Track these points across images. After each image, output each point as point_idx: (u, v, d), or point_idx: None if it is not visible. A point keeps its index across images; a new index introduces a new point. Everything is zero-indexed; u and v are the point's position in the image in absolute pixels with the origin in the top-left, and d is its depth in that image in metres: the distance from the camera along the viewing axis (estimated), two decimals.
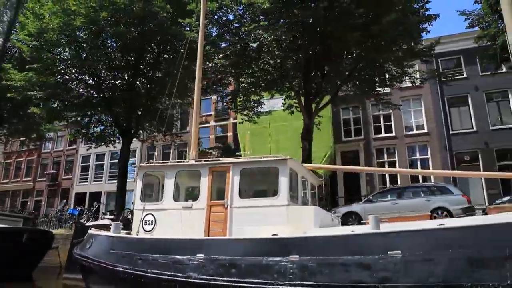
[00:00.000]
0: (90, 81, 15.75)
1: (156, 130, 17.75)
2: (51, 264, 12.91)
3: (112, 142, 17.08)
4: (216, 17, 12.46)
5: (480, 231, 5.07)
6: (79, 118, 16.26)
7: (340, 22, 10.43)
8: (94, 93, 15.67)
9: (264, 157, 7.72)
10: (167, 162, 9.26)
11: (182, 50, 11.91)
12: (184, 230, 7.87)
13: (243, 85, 14.24)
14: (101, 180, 26.68)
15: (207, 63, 13.06)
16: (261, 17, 11.39)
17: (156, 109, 16.42)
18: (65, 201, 24.36)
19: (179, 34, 13.18)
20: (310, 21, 10.73)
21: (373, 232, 5.64)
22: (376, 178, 20.49)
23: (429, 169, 20.12)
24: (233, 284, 6.23)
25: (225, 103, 17.60)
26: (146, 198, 8.94)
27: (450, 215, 10.38)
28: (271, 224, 6.97)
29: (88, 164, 27.45)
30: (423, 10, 11.84)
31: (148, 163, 9.55)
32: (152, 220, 8.51)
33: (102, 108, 15.78)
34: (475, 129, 19.94)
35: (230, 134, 24.19)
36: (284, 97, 15.52)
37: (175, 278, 6.83)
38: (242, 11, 12.15)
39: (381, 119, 21.59)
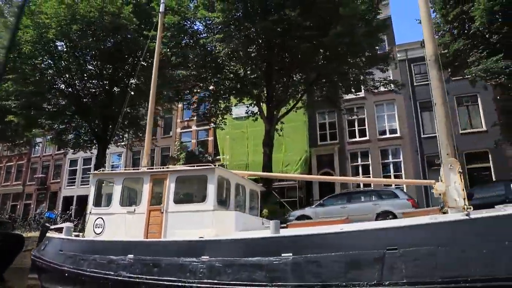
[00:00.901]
0: (68, 90, 16.43)
1: (132, 136, 18.39)
2: (23, 266, 13.58)
3: (89, 148, 17.77)
4: (176, 28, 13.06)
5: (357, 235, 5.66)
6: (55, 126, 16.92)
7: (290, 34, 11.00)
8: (71, 101, 16.35)
9: (196, 166, 8.31)
10: (116, 170, 9.93)
11: (145, 60, 12.55)
12: (128, 233, 8.49)
13: (207, 93, 14.83)
14: (88, 184, 27.40)
15: (172, 72, 13.70)
16: (217, 30, 12.01)
17: (134, 117, 17.14)
18: (43, 205, 25.10)
19: (147, 46, 13.84)
20: (261, 34, 11.32)
21: (270, 236, 6.23)
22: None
23: (401, 172, 20.64)
24: (154, 282, 6.89)
25: (191, 111, 18.22)
26: (98, 203, 9.60)
27: (395, 218, 10.86)
28: (199, 227, 7.56)
29: (76, 168, 28.22)
30: (374, 21, 12.38)
31: (100, 171, 10.20)
32: (101, 224, 9.14)
33: (78, 115, 16.45)
34: None
35: (211, 138, 24.82)
36: (248, 104, 16.12)
37: (109, 276, 7.51)
38: (200, 25, 12.80)
39: (356, 123, 22.09)
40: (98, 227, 9.11)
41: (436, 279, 4.82)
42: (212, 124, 17.02)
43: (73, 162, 28.25)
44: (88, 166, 27.75)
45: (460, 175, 6.19)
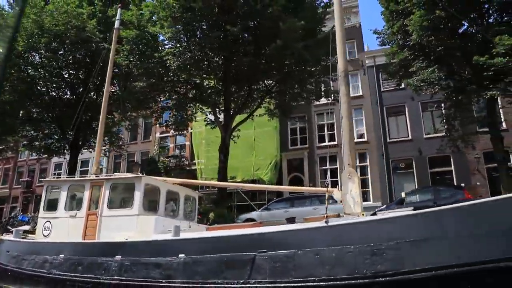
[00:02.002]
0: (40, 98, 17.25)
1: (106, 142, 19.18)
2: None
3: (62, 154, 18.56)
4: (134, 42, 13.83)
5: (235, 239, 6.39)
6: (27, 133, 17.71)
7: (234, 48, 11.68)
8: (43, 109, 17.16)
9: (127, 175, 9.06)
10: (63, 177, 10.72)
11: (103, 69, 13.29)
12: (69, 235, 9.28)
13: (169, 102, 15.58)
14: None
15: (135, 84, 14.47)
16: (169, 44, 12.77)
17: (106, 125, 17.91)
18: (18, 208, 25.99)
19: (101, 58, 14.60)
20: (209, 48, 12.05)
21: (169, 239, 6.98)
22: (318, 184, 21.60)
23: (368, 176, 21.28)
24: (77, 279, 7.69)
25: (152, 119, 18.97)
26: (47, 208, 10.39)
27: None
28: (126, 230, 8.32)
29: (61, 171, 29.06)
30: (320, 34, 13.04)
31: (51, 178, 11.01)
32: (49, 227, 9.94)
33: (51, 123, 17.23)
34: (410, 137, 20.99)
35: (188, 143, 25.56)
36: (208, 112, 16.82)
37: (42, 274, 8.33)
38: (152, 39, 13.52)
39: (325, 128, 22.74)
40: (46, 230, 9.89)
41: (291, 278, 5.51)
42: (173, 131, 17.67)
43: (58, 166, 29.09)
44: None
45: (358, 184, 6.86)
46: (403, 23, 12.93)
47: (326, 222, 5.76)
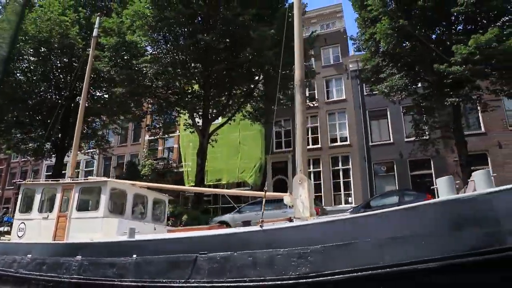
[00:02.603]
0: (28, 101, 17.70)
1: (93, 144, 19.67)
2: None
3: (49, 156, 19.02)
4: (114, 49, 14.25)
5: (179, 241, 6.81)
6: (14, 136, 18.16)
7: (208, 56, 12.08)
8: (30, 113, 17.59)
9: (96, 179, 9.49)
10: (39, 181, 11.17)
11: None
12: (41, 236, 9.73)
13: (151, 107, 16.04)
14: None
15: (115, 90, 14.91)
16: (148, 51, 13.22)
17: (92, 128, 18.45)
18: (4, 209, 26.45)
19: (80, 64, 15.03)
20: (185, 56, 12.49)
21: (123, 240, 7.40)
22: None
23: (350, 178, 21.61)
24: (40, 277, 8.13)
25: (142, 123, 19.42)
26: (22, 210, 10.83)
27: None
28: (92, 231, 8.77)
29: (64, 172, 29.50)
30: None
31: (28, 181, 11.43)
32: (23, 228, 10.38)
33: (38, 126, 17.68)
34: (392, 141, 21.33)
35: (176, 145, 25.98)
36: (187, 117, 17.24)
37: (10, 273, 8.78)
38: (131, 46, 13.94)
39: (309, 131, 23.07)
40: (20, 231, 10.33)
41: (226, 278, 5.91)
42: (155, 135, 18.12)
43: (50, 168, 29.55)
44: (63, 172, 29.04)
45: (308, 189, 7.23)
46: (374, 31, 13.29)
47: (260, 226, 6.15)
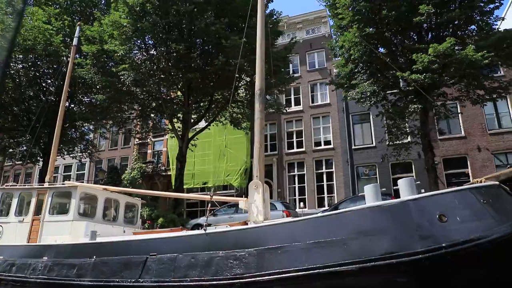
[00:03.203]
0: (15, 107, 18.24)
1: (81, 148, 20.16)
2: None
3: (37, 161, 19.52)
4: (95, 57, 14.74)
5: (133, 243, 7.23)
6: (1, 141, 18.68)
7: (182, 64, 12.54)
8: (18, 118, 18.10)
9: (68, 183, 9.95)
10: (16, 185, 11.65)
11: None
12: (17, 239, 10.20)
13: (132, 112, 16.53)
14: None
15: (96, 96, 15.39)
16: (126, 59, 13.66)
17: (80, 132, 18.99)
18: None
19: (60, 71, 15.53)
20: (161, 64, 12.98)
21: (84, 242, 7.86)
22: (286, 190, 22.40)
23: (333, 181, 21.97)
24: (10, 278, 8.60)
25: (116, 129, 19.92)
26: (1, 213, 11.30)
27: None
28: (62, 234, 9.24)
29: (56, 175, 30.13)
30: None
31: (6, 185, 11.92)
32: (1, 231, 10.89)
33: (25, 132, 18.18)
34: (374, 144, 21.70)
35: (165, 149, 26.45)
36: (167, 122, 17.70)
37: None
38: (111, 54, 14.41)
39: (294, 135, 23.49)
40: None
41: (171, 278, 6.34)
42: (138, 139, 18.59)
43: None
44: (55, 175, 29.66)
45: (263, 195, 7.62)
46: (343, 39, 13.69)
47: (204, 230, 6.58)
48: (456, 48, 10.80)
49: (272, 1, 16.98)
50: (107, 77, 13.98)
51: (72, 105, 19.34)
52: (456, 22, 11.26)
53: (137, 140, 26.53)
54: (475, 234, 4.59)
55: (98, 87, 15.11)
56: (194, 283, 6.13)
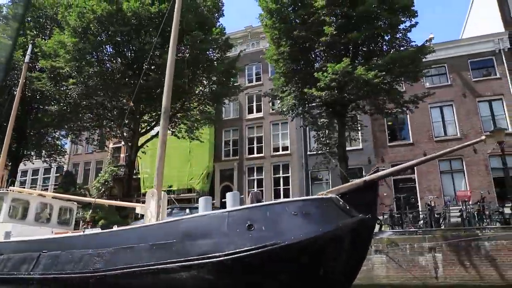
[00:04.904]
0: None
1: (47, 153, 21.57)
2: None
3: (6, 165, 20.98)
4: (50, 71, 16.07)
5: (38, 241, 8.51)
6: None
7: (121, 79, 13.86)
8: None
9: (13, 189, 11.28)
10: None
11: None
12: None
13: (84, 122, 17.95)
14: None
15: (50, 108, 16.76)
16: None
17: (41, 137, 20.39)
18: None
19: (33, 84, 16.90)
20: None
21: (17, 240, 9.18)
22: (246, 193, 23.55)
23: (289, 186, 23.10)
24: None
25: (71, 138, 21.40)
26: None
27: None
28: None
29: (26, 178, 31.58)
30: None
31: None
32: None
33: None
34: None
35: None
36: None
37: None
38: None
39: (255, 141, 24.65)
40: None
41: (53, 271, 7.60)
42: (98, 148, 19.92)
43: (24, 173, 31.62)
44: (35, 177, 31.20)
45: (157, 202, 8.81)
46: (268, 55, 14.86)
47: (83, 231, 7.84)
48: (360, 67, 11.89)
49: (223, 16, 18.20)
50: (59, 90, 15.27)
51: (35, 112, 20.55)
52: (359, 42, 12.34)
53: (112, 144, 27.93)
54: (275, 240, 5.69)
55: (54, 98, 16.40)
56: (68, 275, 7.41)
